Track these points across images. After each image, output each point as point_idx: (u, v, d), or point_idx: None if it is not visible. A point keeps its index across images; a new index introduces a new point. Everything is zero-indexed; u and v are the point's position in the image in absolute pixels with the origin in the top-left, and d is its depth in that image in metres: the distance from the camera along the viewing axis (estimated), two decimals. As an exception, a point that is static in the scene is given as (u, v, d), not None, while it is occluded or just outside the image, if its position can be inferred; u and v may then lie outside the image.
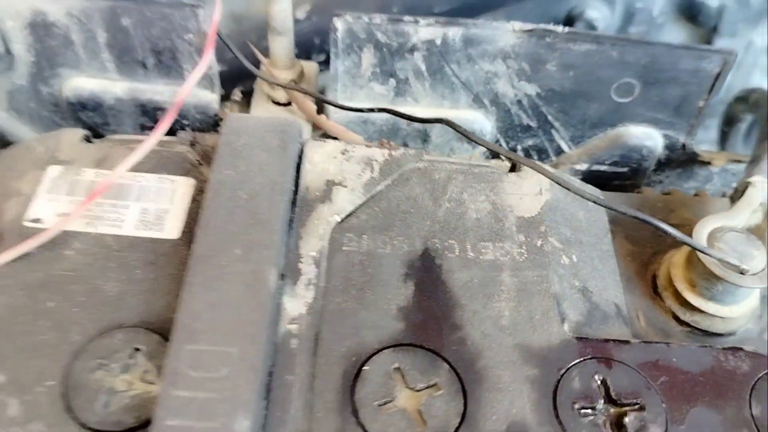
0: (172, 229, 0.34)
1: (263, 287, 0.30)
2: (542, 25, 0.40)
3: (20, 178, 0.36)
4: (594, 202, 0.32)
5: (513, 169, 0.38)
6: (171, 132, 0.42)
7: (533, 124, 0.44)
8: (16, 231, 0.33)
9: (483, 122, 0.44)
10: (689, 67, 0.41)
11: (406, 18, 0.40)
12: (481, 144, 0.35)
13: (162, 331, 0.30)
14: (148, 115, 0.44)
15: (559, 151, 0.46)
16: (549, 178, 0.33)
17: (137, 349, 0.30)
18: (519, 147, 0.46)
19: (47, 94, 0.44)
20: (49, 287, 0.31)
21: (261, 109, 0.45)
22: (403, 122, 0.44)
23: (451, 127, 0.36)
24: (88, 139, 0.38)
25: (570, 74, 0.42)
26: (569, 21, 0.68)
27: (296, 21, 0.62)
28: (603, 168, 0.45)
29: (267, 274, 0.30)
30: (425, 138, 0.45)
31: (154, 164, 0.36)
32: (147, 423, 0.27)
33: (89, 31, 0.41)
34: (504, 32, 0.40)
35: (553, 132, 0.45)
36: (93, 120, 0.44)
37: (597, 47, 0.40)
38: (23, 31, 0.41)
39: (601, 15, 0.68)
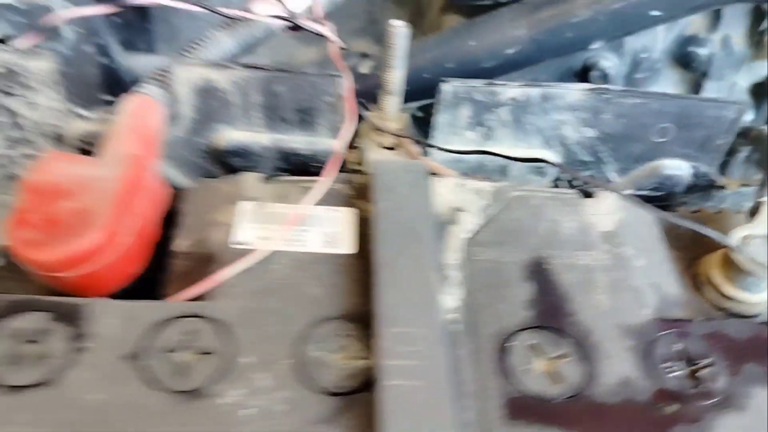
0: (347, 247, 0.44)
1: (431, 286, 0.41)
2: (602, 86, 0.52)
3: (216, 212, 0.46)
4: (668, 220, 0.44)
5: (588, 195, 0.50)
6: (301, 172, 0.53)
7: (589, 159, 0.56)
8: (226, 252, 0.44)
9: (550, 158, 0.55)
10: (712, 114, 0.53)
11: (499, 82, 0.51)
12: (576, 177, 0.47)
13: (359, 320, 0.41)
14: (286, 160, 0.54)
15: (608, 181, 0.57)
16: (632, 203, 0.44)
17: (345, 335, 0.40)
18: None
19: (200, 144, 0.55)
20: (268, 292, 0.42)
21: (373, 152, 0.56)
22: (487, 160, 0.55)
23: (548, 164, 0.48)
24: (264, 180, 0.48)
25: (621, 121, 0.54)
26: (585, 70, 0.80)
27: (362, 75, 0.73)
28: (644, 193, 0.57)
29: (431, 278, 0.41)
30: (504, 172, 0.56)
31: (323, 198, 0.47)
32: (364, 386, 0.38)
33: (246, 95, 0.51)
34: (573, 91, 0.52)
35: (604, 166, 0.56)
36: (239, 164, 0.55)
37: (643, 101, 0.53)
38: (191, 94, 0.52)
39: (612, 64, 0.80)
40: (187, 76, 0.50)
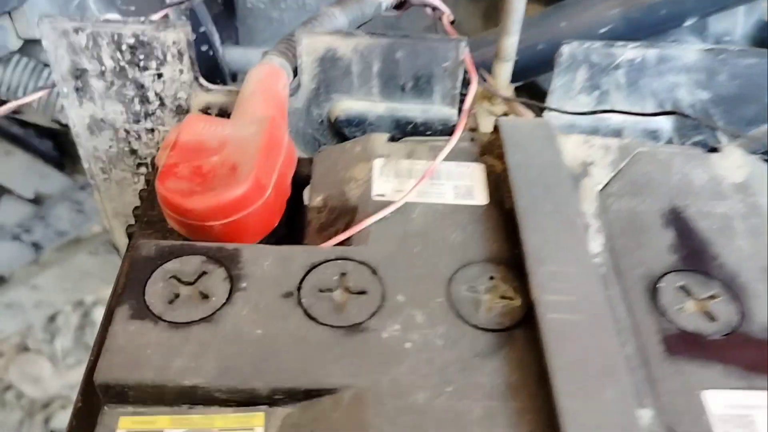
0: (480, 198, 0.45)
1: (577, 229, 0.41)
2: (719, 45, 0.52)
3: (351, 169, 0.47)
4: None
5: (712, 150, 0.50)
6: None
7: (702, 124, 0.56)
8: (368, 204, 0.45)
9: (664, 122, 0.56)
10: (830, 73, 0.53)
11: (618, 42, 0.52)
12: (717, 129, 0.47)
13: (502, 263, 0.41)
14: (399, 128, 0.55)
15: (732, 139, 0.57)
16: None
17: (491, 277, 0.40)
18: (687, 143, 0.57)
19: (316, 115, 0.56)
20: (411, 239, 0.42)
21: (485, 120, 0.56)
22: (602, 124, 0.55)
23: (682, 116, 0.48)
24: (391, 140, 0.49)
25: (736, 82, 0.54)
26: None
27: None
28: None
29: (577, 221, 0.42)
30: (618, 135, 0.56)
31: (450, 155, 0.47)
32: (517, 324, 0.38)
33: (367, 62, 0.53)
34: (690, 51, 0.52)
35: (717, 130, 0.56)
36: (353, 134, 0.56)
37: (758, 60, 0.53)
38: (313, 64, 0.53)
39: (696, 48, 0.80)
40: (313, 45, 0.52)
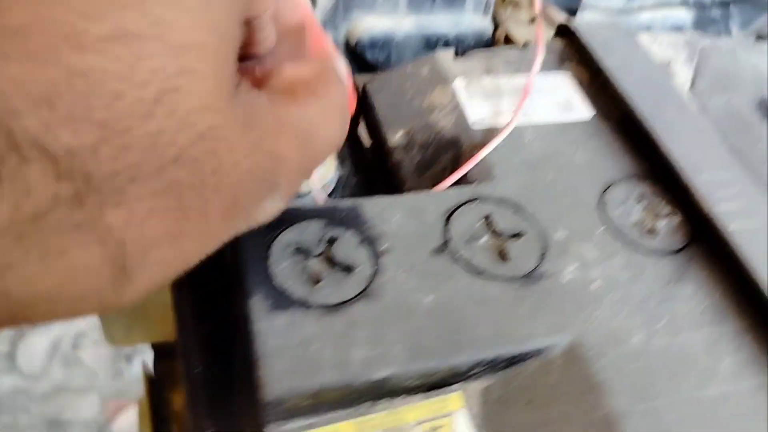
0: (583, 111, 0.40)
1: (710, 132, 0.38)
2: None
3: (427, 95, 0.40)
4: None
5: (760, 38, 0.48)
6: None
7: (717, 16, 0.55)
8: (469, 133, 0.38)
9: (685, 15, 0.54)
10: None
11: (658, -70, 0.48)
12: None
13: (643, 177, 0.37)
14: (430, 46, 0.48)
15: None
16: None
17: (640, 195, 0.36)
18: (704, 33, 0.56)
19: (332, 40, 0.47)
20: (539, 166, 0.37)
21: (517, 30, 0.51)
22: (631, 22, 0.52)
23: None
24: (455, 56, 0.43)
25: (755, -35, 0.53)
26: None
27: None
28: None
29: (704, 124, 0.38)
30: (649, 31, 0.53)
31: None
32: (689, 242, 0.34)
33: (396, -32, 0.45)
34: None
35: (730, 21, 0.55)
36: (376, 58, 0.48)
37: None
38: (332, -24, 0.44)
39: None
40: (334, -49, 0.43)
